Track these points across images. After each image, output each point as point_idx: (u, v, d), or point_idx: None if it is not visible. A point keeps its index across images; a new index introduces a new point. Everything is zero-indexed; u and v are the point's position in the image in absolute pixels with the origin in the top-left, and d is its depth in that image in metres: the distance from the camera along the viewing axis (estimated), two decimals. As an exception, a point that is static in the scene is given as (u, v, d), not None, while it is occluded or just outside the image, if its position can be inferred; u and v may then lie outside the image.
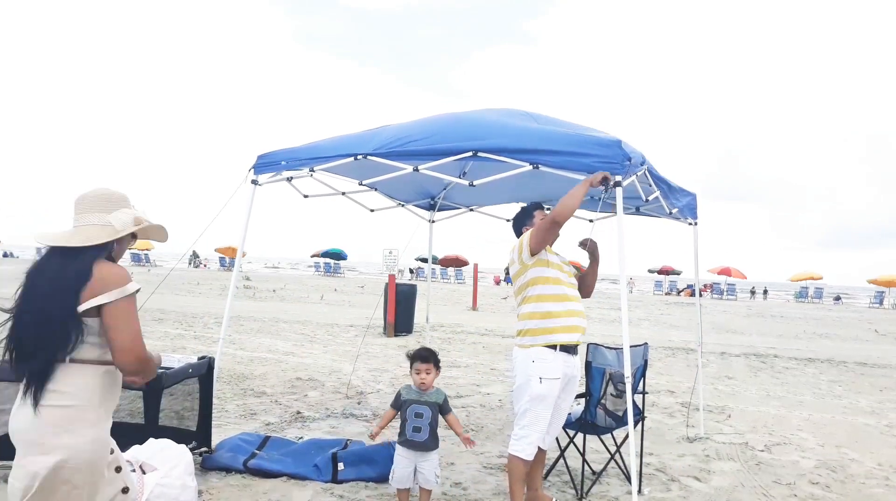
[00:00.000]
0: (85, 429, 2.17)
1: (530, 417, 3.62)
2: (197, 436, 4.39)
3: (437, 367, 3.68)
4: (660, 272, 44.60)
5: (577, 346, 3.76)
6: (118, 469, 2.32)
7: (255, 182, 4.71)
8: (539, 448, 3.75)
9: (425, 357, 3.64)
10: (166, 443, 3.68)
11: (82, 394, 2.19)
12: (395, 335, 12.21)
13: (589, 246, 3.93)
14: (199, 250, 49.90)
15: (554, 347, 3.65)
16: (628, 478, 4.31)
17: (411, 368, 3.66)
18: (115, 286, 2.19)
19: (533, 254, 3.73)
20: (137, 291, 2.25)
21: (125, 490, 2.33)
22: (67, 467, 2.13)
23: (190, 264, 48.86)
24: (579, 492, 4.19)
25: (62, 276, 2.20)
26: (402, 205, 6.53)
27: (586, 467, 4.37)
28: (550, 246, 3.87)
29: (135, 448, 3.57)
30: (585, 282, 4.05)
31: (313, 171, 4.56)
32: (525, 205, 4.27)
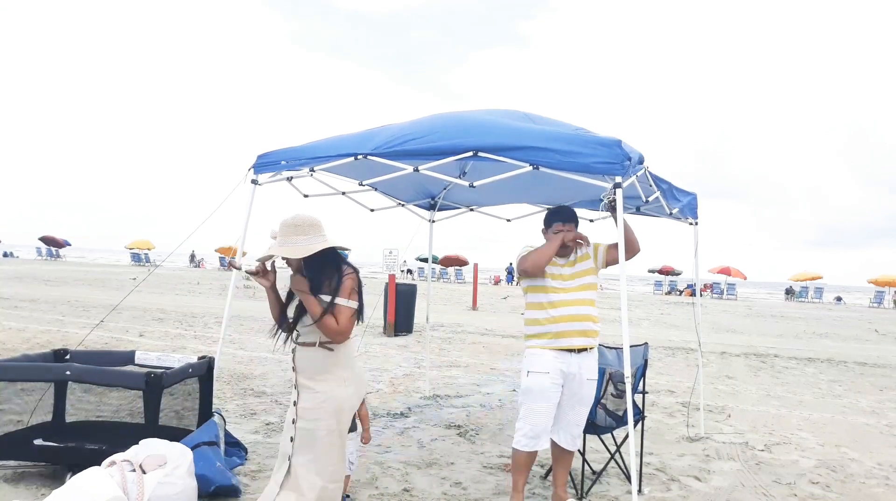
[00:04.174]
0: None
1: (523, 410, 3.78)
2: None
3: None
4: (660, 272, 44.58)
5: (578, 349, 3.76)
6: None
7: (254, 182, 4.71)
8: (558, 445, 3.87)
9: None
10: (167, 443, 3.68)
11: None
12: (395, 335, 12.22)
13: (610, 205, 3.73)
14: (197, 250, 50.45)
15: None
16: (628, 478, 4.31)
17: None
18: None
19: (519, 280, 3.95)
20: None
21: None
22: None
23: (191, 263, 49.16)
24: (579, 492, 4.19)
25: None
26: (403, 205, 6.52)
27: (586, 466, 4.37)
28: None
29: (135, 448, 3.57)
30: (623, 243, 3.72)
31: (313, 171, 4.54)
32: (552, 208, 4.12)
